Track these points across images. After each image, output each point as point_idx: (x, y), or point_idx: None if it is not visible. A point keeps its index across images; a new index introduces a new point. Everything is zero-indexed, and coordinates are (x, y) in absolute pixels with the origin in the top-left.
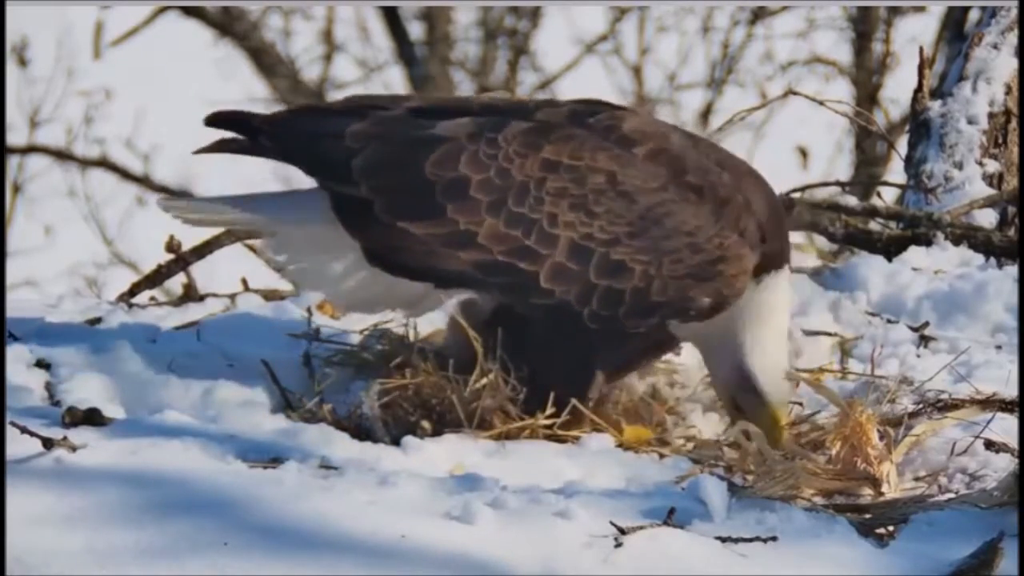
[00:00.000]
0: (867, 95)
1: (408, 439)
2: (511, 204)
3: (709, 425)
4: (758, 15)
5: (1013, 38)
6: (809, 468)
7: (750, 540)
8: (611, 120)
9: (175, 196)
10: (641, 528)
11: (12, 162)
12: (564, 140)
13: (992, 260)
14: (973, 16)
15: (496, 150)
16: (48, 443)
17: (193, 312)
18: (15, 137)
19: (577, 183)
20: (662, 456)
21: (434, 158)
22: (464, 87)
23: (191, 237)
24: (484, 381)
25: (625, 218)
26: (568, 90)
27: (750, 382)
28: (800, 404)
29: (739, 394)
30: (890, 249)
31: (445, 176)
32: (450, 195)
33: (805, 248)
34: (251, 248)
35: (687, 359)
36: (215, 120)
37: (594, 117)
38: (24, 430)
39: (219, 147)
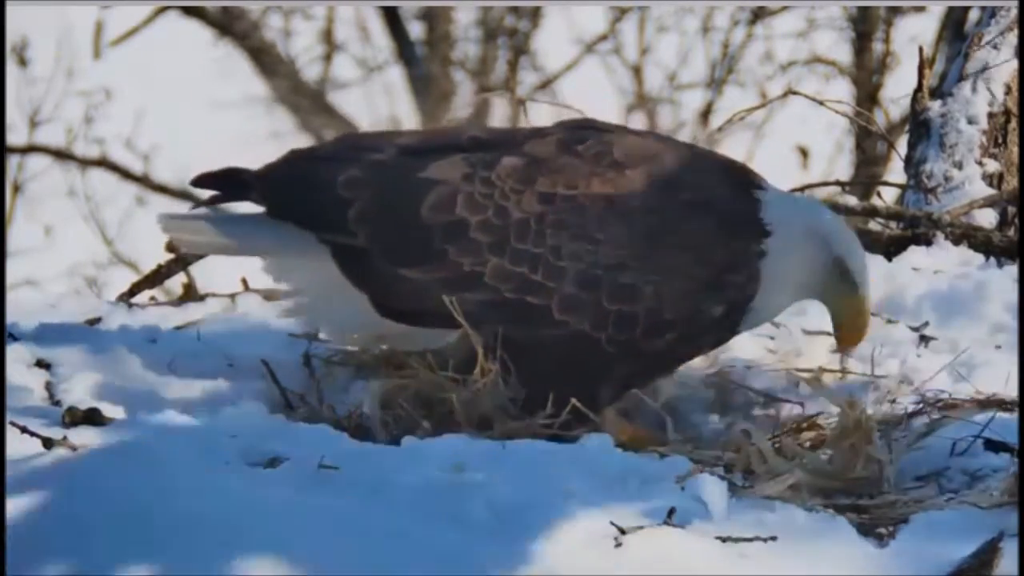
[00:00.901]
0: (867, 95)
1: (408, 439)
2: (514, 241)
3: (709, 425)
4: (758, 15)
5: (1013, 38)
6: (809, 468)
7: (750, 540)
8: (600, 146)
9: (174, 215)
10: (641, 528)
11: (12, 162)
12: (557, 171)
13: (992, 260)
14: (973, 16)
15: (491, 189)
16: (48, 443)
17: (193, 312)
18: (15, 137)
19: (576, 213)
20: (662, 456)
21: (430, 202)
22: (464, 87)
23: None
24: (484, 381)
25: (628, 241)
26: (568, 90)
27: (844, 267)
28: (801, 405)
29: (831, 286)
30: (890, 249)
31: (443, 220)
32: (451, 238)
33: None
34: None
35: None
36: (202, 181)
37: (583, 144)
38: (24, 430)
39: (213, 202)
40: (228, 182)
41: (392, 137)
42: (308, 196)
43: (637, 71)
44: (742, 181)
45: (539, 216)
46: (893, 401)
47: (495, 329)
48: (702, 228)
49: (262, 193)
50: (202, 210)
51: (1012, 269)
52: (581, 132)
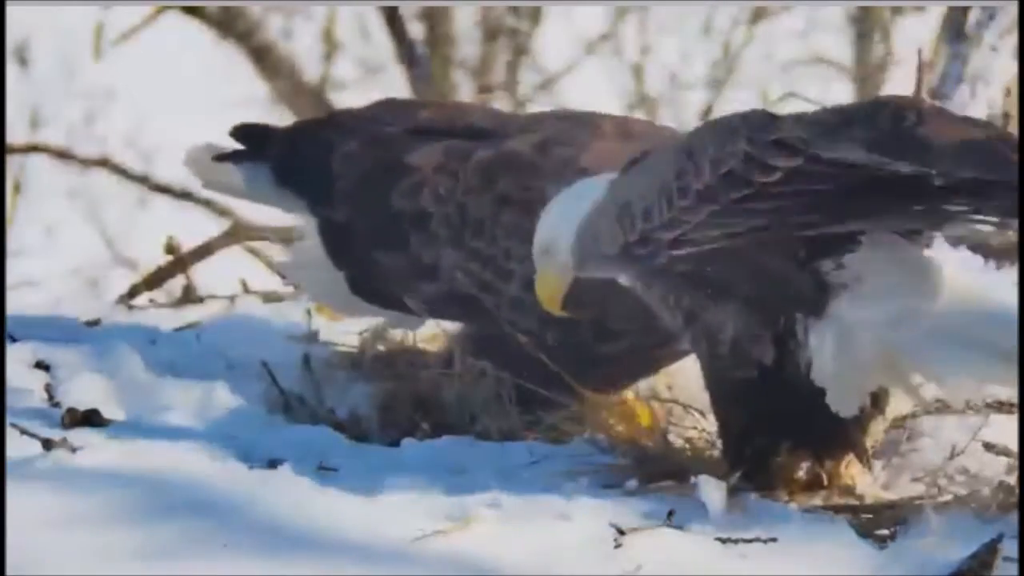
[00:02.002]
0: (867, 95)
1: (407, 440)
2: (468, 239)
3: (709, 426)
4: (758, 15)
5: (1012, 40)
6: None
7: (750, 540)
8: (572, 151)
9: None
10: (640, 529)
11: (12, 162)
12: (519, 172)
13: (991, 262)
14: (972, 17)
15: (455, 183)
16: (48, 444)
17: (193, 313)
18: (15, 137)
19: (529, 217)
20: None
21: (400, 188)
22: (464, 87)
23: (192, 238)
24: (467, 376)
25: None
26: (568, 90)
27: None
28: None
29: None
30: None
31: (409, 208)
32: (414, 227)
33: None
34: (251, 250)
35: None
36: (238, 132)
37: (562, 147)
38: (24, 431)
39: (231, 157)
40: (255, 137)
41: (420, 109)
42: (307, 165)
43: (637, 71)
44: None
45: (494, 217)
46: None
47: (454, 322)
48: None
49: (274, 154)
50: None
51: (1011, 271)
52: (571, 131)
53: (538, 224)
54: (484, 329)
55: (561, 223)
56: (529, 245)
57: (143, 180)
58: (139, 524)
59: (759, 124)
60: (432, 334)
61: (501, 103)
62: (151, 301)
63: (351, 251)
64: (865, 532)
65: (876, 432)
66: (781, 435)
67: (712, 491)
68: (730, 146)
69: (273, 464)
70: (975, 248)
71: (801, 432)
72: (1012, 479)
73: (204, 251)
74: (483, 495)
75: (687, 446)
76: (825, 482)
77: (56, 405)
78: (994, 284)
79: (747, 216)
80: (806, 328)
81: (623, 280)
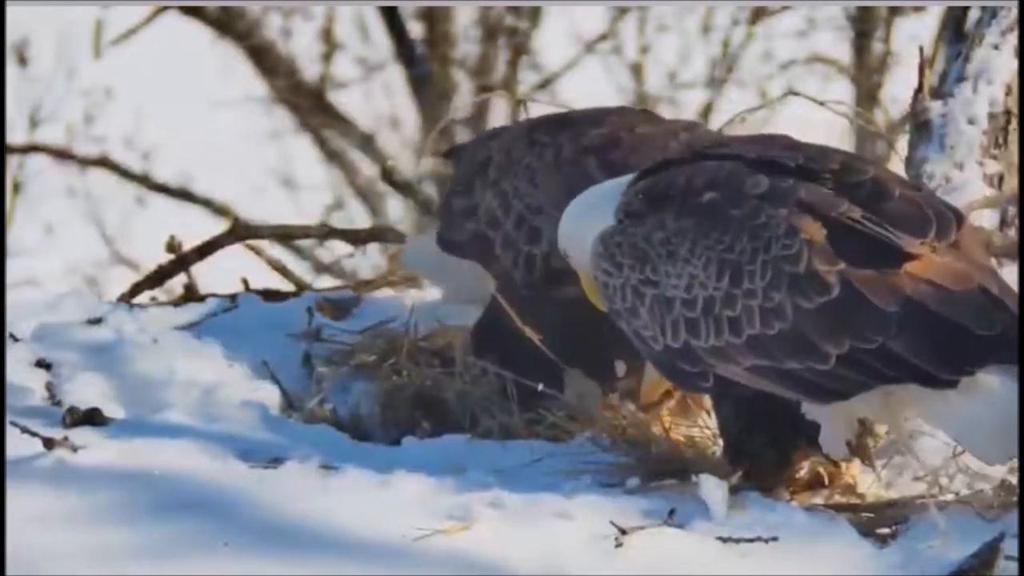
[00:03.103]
0: (867, 95)
1: (408, 439)
2: (499, 178)
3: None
4: (758, 14)
5: (1013, 39)
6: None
7: (750, 540)
8: (609, 130)
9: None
10: (641, 528)
11: (12, 161)
12: (552, 123)
13: (993, 261)
14: (973, 16)
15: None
16: (49, 443)
17: (194, 312)
18: (15, 136)
19: (542, 161)
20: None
21: (481, 138)
22: (464, 87)
23: (191, 237)
24: (468, 375)
25: (548, 189)
26: (568, 90)
27: None
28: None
29: None
30: None
31: (480, 157)
32: (479, 173)
33: None
34: (252, 248)
35: None
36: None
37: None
38: (25, 430)
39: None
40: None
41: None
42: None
43: (637, 70)
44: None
45: (519, 159)
46: None
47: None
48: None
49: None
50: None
51: (1012, 270)
52: (631, 115)
53: (559, 228)
54: (500, 280)
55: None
56: (527, 184)
57: (142, 179)
58: (139, 524)
59: None
60: (432, 333)
61: (501, 103)
62: (152, 300)
63: (442, 202)
64: (866, 531)
65: (878, 431)
66: (781, 434)
67: (713, 490)
68: None
69: (274, 463)
70: None
71: (802, 431)
72: (1013, 478)
73: (205, 250)
74: (484, 494)
75: (689, 444)
76: (826, 481)
77: (57, 404)
78: None
79: None
80: None
81: None
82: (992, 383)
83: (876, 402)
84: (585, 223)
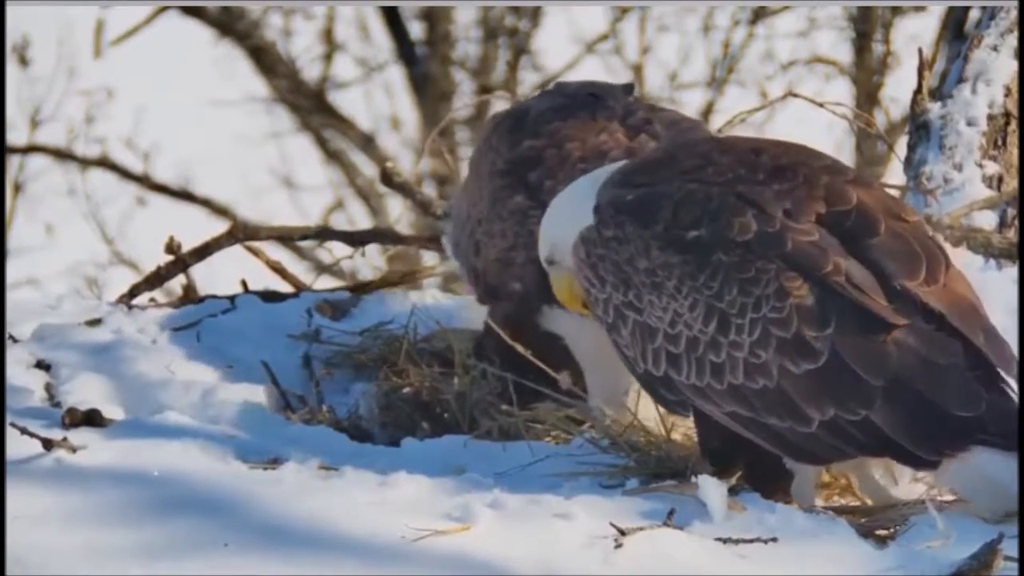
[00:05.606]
0: (867, 95)
1: (407, 440)
2: (468, 185)
3: None
4: (759, 15)
5: (1013, 40)
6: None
7: (750, 541)
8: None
9: None
10: (641, 529)
11: (12, 162)
12: (502, 131)
13: (992, 262)
14: (973, 16)
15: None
16: (48, 444)
17: (193, 313)
18: (15, 137)
19: (491, 164)
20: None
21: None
22: (464, 87)
23: (191, 238)
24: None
25: (488, 202)
26: None
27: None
28: None
29: None
30: None
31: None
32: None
33: None
34: (251, 250)
35: None
36: None
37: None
38: (24, 431)
39: None
40: None
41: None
42: None
43: (638, 71)
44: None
45: (478, 166)
46: None
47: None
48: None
49: None
50: None
51: (1012, 271)
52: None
53: (540, 231)
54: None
55: (560, 229)
56: (481, 199)
57: (142, 179)
58: (139, 524)
59: None
60: (432, 334)
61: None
62: (151, 300)
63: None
64: (865, 532)
65: None
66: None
67: (713, 491)
68: None
69: (274, 463)
70: (975, 249)
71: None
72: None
73: (204, 251)
74: (484, 494)
75: (689, 445)
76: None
77: (56, 405)
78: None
79: None
80: None
81: None
82: (980, 463)
83: (853, 465)
84: (566, 226)
